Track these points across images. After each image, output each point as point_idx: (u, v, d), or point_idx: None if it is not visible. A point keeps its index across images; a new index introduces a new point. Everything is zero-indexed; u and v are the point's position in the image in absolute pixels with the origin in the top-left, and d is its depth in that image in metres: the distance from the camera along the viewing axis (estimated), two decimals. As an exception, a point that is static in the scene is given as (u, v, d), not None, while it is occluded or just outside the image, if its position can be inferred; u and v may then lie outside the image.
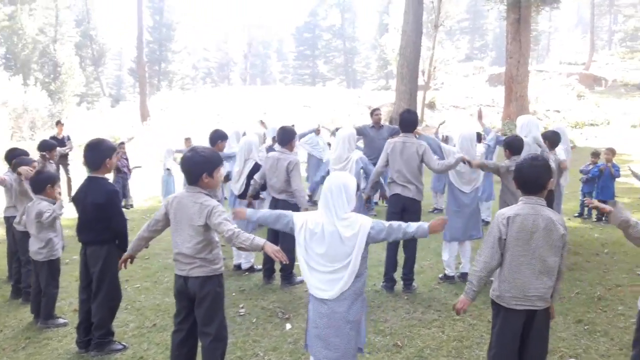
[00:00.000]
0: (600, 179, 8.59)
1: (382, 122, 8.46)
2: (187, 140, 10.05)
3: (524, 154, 5.38)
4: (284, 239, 4.85)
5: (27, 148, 5.94)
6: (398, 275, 5.25)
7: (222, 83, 58.14)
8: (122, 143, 9.02)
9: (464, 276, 5.43)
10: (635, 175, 6.71)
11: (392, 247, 5.27)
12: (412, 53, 17.08)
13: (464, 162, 5.09)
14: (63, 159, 10.44)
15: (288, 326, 4.32)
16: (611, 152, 8.62)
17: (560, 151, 6.04)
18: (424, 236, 2.90)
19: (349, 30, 58.93)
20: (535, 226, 2.72)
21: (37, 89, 38.03)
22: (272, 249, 2.92)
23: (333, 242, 2.76)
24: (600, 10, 56.52)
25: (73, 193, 3.98)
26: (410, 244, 5.22)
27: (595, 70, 35.78)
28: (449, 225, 5.27)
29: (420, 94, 28.25)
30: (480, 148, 5.54)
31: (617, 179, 8.70)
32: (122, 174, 8.71)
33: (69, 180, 10.73)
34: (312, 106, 29.79)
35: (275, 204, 5.27)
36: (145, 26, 50.49)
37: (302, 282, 5.34)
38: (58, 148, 10.43)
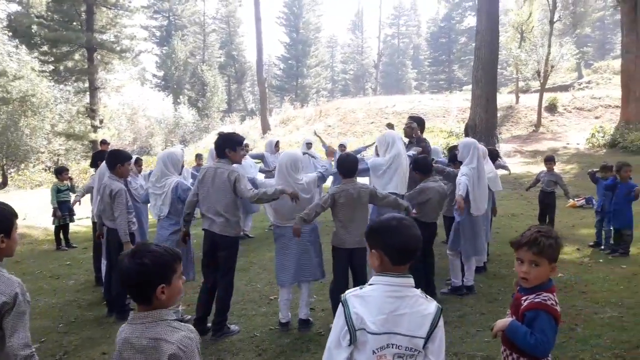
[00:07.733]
0: (612, 201, 6.95)
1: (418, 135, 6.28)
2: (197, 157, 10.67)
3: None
4: None
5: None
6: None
7: (358, 95, 59.27)
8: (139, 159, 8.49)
9: (301, 323, 4.70)
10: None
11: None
12: (487, 54, 15.73)
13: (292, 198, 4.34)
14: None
15: None
16: (622, 166, 6.83)
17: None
18: None
19: (487, 32, 55.79)
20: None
21: (186, 107, 43.25)
22: None
23: None
24: None
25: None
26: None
27: None
28: (278, 267, 4.70)
29: (536, 96, 25.76)
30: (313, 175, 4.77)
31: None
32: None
33: None
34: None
35: (108, 232, 5.17)
36: (283, 43, 54.37)
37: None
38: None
